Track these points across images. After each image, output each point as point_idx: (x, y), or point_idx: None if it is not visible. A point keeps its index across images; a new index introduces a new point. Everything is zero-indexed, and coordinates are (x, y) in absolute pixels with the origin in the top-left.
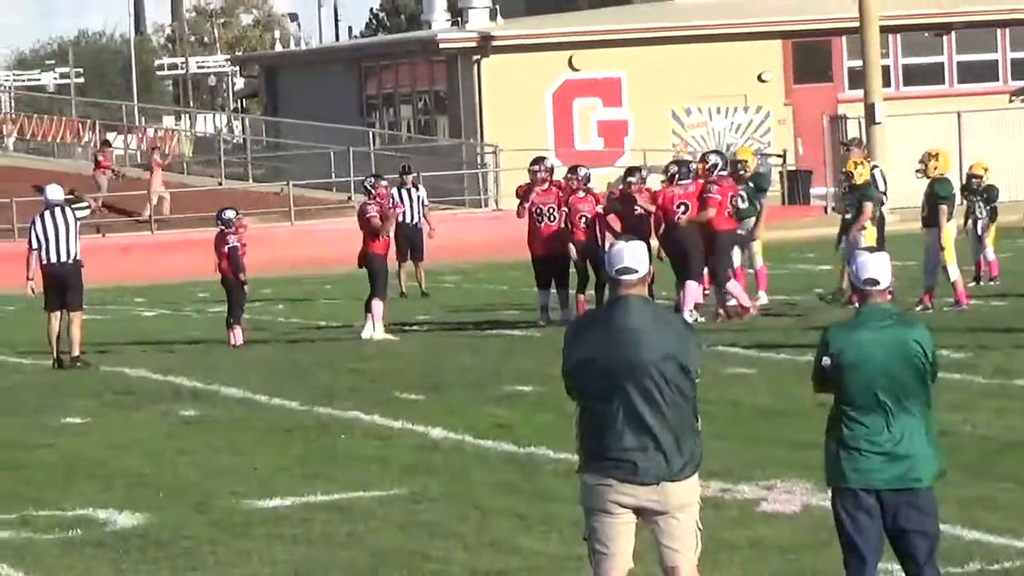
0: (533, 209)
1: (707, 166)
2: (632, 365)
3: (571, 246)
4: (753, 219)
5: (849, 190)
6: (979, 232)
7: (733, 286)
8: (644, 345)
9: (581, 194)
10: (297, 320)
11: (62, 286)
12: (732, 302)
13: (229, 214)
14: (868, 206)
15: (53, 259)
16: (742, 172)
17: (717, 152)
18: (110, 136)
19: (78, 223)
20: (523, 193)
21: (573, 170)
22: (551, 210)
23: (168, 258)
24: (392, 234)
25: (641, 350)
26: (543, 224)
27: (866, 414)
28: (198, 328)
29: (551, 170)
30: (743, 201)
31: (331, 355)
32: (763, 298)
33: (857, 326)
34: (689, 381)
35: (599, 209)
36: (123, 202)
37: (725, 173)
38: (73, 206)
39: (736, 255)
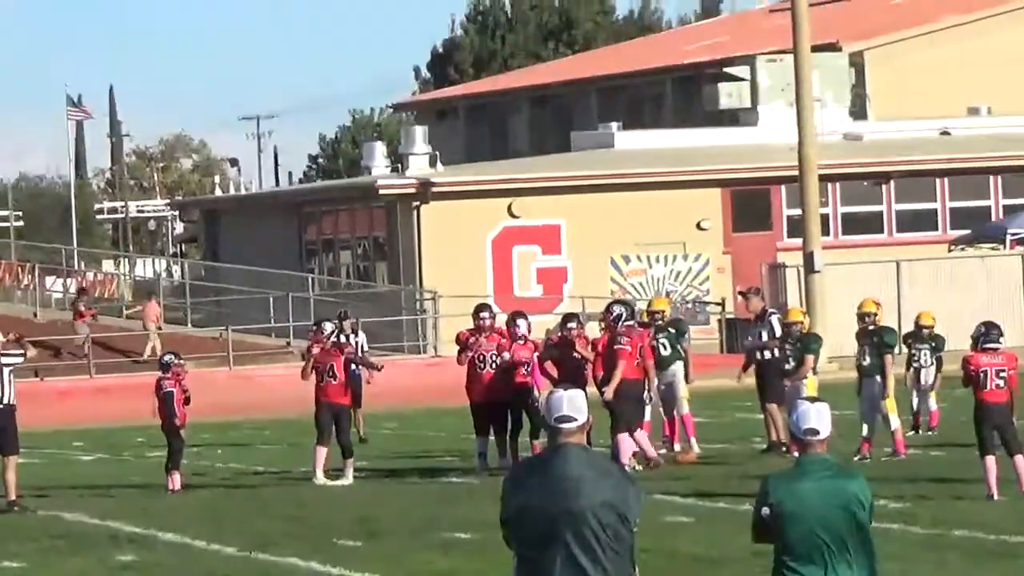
0: (476, 356)
1: (612, 317)
2: (571, 513)
3: (511, 394)
4: (678, 364)
5: (794, 341)
6: (922, 381)
7: (641, 436)
8: (583, 493)
9: (522, 341)
10: (236, 465)
11: None
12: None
13: (167, 359)
14: (810, 358)
15: None
16: (659, 321)
17: (621, 302)
18: (49, 280)
19: (11, 368)
20: (465, 340)
21: (516, 317)
22: (493, 357)
23: (106, 402)
24: (341, 379)
25: (580, 498)
26: (484, 371)
27: (805, 565)
28: (136, 472)
29: (494, 317)
30: (665, 348)
31: (269, 501)
32: (695, 446)
33: (797, 476)
34: (627, 530)
35: (535, 356)
36: (115, 342)
37: (632, 323)
38: (10, 351)
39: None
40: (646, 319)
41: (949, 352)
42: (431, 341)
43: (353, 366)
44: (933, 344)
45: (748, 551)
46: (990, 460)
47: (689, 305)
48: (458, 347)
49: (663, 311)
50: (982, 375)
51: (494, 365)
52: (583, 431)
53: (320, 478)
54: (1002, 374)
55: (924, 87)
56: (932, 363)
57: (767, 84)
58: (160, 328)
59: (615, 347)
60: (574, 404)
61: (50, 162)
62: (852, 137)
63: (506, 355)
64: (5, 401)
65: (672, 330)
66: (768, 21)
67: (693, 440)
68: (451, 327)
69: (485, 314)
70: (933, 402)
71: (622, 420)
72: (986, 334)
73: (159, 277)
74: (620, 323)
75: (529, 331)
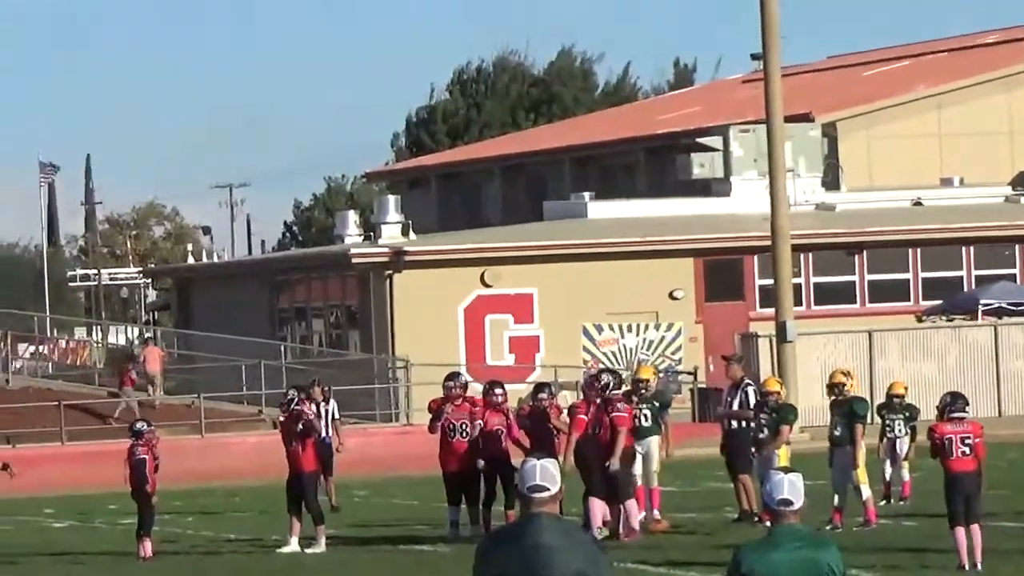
0: (446, 424)
1: (600, 385)
2: None
3: (480, 461)
4: (655, 437)
5: (771, 412)
6: (897, 451)
7: (632, 505)
8: (556, 562)
9: (497, 409)
10: (207, 533)
11: None
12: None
13: (139, 427)
14: (785, 429)
15: None
16: (644, 391)
17: (610, 371)
18: (21, 347)
19: None
20: (436, 409)
21: (493, 386)
22: (464, 425)
23: (78, 469)
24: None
25: (553, 567)
26: (455, 439)
27: None
28: (108, 540)
29: (465, 385)
30: (646, 419)
31: (241, 569)
32: (656, 514)
33: (770, 546)
34: None
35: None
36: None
37: (619, 392)
38: None
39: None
40: (630, 388)
41: (922, 422)
42: (403, 409)
43: (323, 434)
44: (906, 414)
45: None
46: (960, 531)
47: (662, 375)
48: (431, 415)
49: (648, 380)
50: (947, 442)
51: (464, 434)
52: (556, 500)
53: (293, 545)
54: (967, 441)
55: (897, 157)
56: (906, 433)
57: (740, 154)
58: (165, 372)
59: (614, 415)
60: (547, 473)
61: (22, 229)
62: (825, 207)
63: (479, 423)
64: None
65: (656, 403)
66: (741, 92)
67: (657, 512)
68: (423, 395)
69: (451, 383)
70: (906, 472)
71: (599, 487)
72: (952, 404)
73: (132, 345)
74: (609, 391)
75: (505, 399)
